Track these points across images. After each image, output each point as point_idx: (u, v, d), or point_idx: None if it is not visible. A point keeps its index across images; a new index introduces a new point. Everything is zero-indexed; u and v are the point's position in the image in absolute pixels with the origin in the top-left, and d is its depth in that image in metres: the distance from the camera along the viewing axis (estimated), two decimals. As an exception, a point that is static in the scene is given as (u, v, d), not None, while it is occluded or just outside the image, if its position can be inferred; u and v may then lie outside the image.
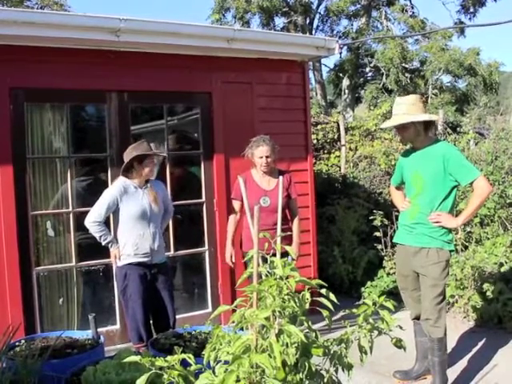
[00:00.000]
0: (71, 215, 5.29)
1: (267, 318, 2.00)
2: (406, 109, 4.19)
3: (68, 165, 5.31)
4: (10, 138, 4.90)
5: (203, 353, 2.21)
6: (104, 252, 4.88)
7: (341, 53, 20.08)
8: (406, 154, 4.45)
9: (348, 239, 7.52)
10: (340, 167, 9.75)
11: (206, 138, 5.88)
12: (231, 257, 5.08)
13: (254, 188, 4.86)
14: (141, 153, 4.53)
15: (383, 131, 10.46)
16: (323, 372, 2.25)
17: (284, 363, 2.04)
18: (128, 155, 4.55)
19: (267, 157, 4.78)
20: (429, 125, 4.29)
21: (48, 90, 5.11)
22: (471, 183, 4.08)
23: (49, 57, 4.99)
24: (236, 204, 5.04)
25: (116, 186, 4.60)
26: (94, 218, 4.49)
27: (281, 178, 4.70)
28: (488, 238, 6.77)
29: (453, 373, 4.51)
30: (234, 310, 2.22)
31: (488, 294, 5.80)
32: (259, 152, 4.78)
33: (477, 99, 19.57)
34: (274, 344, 1.93)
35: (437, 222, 4.10)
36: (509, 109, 15.31)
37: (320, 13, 22.64)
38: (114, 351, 3.88)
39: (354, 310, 2.38)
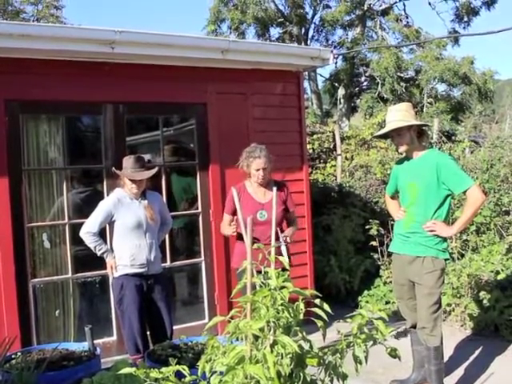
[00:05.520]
0: (67, 227, 5.29)
1: (261, 329, 2.00)
2: (401, 115, 4.21)
3: (64, 176, 5.31)
4: (5, 150, 4.91)
5: (198, 364, 2.21)
6: (100, 263, 4.89)
7: (336, 62, 20.20)
8: (400, 163, 4.47)
9: (344, 248, 7.52)
10: (336, 176, 9.77)
11: (202, 149, 5.89)
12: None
13: (249, 201, 4.59)
14: (115, 170, 4.64)
15: (379, 140, 10.49)
16: (318, 382, 2.25)
17: (279, 374, 2.04)
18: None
19: (264, 169, 4.51)
20: (422, 133, 4.32)
21: (43, 102, 5.12)
22: (465, 192, 4.10)
23: (44, 69, 5.00)
24: (226, 218, 4.71)
25: (111, 197, 4.63)
26: (87, 229, 4.50)
27: (275, 189, 4.52)
28: (484, 246, 6.77)
29: (450, 381, 4.51)
30: (229, 321, 2.22)
31: (485, 302, 5.80)
32: (256, 165, 4.50)
33: (472, 108, 19.66)
34: (268, 355, 1.93)
35: (431, 231, 4.11)
36: (504, 117, 15.41)
37: (315, 23, 22.78)
38: (110, 363, 3.86)
39: (349, 320, 2.39)
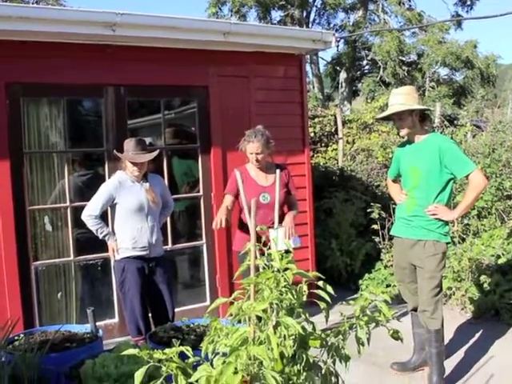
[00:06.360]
0: (69, 210, 5.29)
1: (264, 311, 2.01)
2: (403, 99, 4.19)
3: (65, 159, 5.31)
4: (6, 133, 4.90)
5: (201, 345, 2.22)
6: (102, 246, 4.90)
7: (338, 46, 20.07)
8: (403, 146, 4.46)
9: (346, 232, 7.52)
10: (337, 160, 9.76)
11: (203, 132, 5.88)
12: (221, 221, 4.30)
13: (251, 185, 4.59)
14: (116, 153, 4.64)
15: (380, 124, 10.46)
16: (321, 364, 2.26)
17: (282, 355, 2.05)
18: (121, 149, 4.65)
19: (257, 153, 4.51)
20: (424, 117, 4.30)
21: (44, 85, 5.10)
22: (467, 176, 4.09)
23: (45, 51, 4.98)
24: (228, 198, 4.59)
25: (112, 180, 4.62)
26: (89, 212, 4.50)
27: (278, 171, 4.61)
28: (485, 231, 6.78)
29: (450, 364, 4.53)
30: (231, 303, 2.23)
31: (485, 285, 5.82)
32: (249, 148, 4.51)
33: (474, 92, 19.58)
34: (271, 336, 1.94)
35: (433, 215, 4.11)
36: (506, 101, 15.33)
37: (317, 6, 22.59)
38: (112, 344, 3.89)
39: (352, 302, 2.39)
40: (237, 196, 4.59)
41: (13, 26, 4.66)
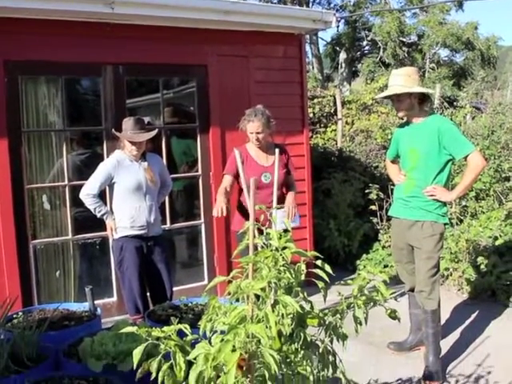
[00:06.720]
0: (67, 188, 5.29)
1: (263, 289, 2.02)
2: (403, 80, 4.17)
3: (63, 138, 5.29)
4: (4, 112, 4.88)
5: (199, 324, 2.23)
6: (100, 225, 4.91)
7: (338, 26, 19.97)
8: (402, 127, 4.45)
9: (344, 212, 7.54)
10: (336, 141, 9.75)
11: (202, 111, 5.86)
12: (222, 209, 4.19)
13: (252, 165, 4.56)
14: (114, 132, 4.62)
15: (380, 105, 10.44)
16: (318, 342, 2.28)
17: (280, 333, 2.06)
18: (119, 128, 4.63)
19: (258, 133, 4.46)
20: (424, 99, 4.27)
21: (43, 63, 5.05)
22: (465, 157, 4.09)
23: (43, 29, 4.93)
24: (227, 179, 4.52)
25: (110, 159, 4.62)
26: (87, 191, 4.50)
27: (277, 151, 4.57)
28: (483, 212, 6.80)
29: (446, 344, 4.56)
30: (230, 282, 2.23)
31: (482, 267, 5.84)
32: (250, 127, 4.46)
33: (474, 73, 19.52)
34: (269, 314, 1.95)
35: (431, 196, 4.11)
36: (506, 83, 15.28)
37: (317, -15, 22.44)
38: (111, 323, 3.91)
39: (350, 282, 2.40)
40: (236, 176, 4.53)
41: (12, 3, 4.62)
